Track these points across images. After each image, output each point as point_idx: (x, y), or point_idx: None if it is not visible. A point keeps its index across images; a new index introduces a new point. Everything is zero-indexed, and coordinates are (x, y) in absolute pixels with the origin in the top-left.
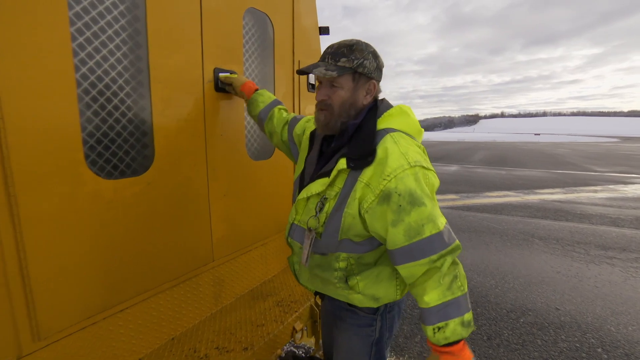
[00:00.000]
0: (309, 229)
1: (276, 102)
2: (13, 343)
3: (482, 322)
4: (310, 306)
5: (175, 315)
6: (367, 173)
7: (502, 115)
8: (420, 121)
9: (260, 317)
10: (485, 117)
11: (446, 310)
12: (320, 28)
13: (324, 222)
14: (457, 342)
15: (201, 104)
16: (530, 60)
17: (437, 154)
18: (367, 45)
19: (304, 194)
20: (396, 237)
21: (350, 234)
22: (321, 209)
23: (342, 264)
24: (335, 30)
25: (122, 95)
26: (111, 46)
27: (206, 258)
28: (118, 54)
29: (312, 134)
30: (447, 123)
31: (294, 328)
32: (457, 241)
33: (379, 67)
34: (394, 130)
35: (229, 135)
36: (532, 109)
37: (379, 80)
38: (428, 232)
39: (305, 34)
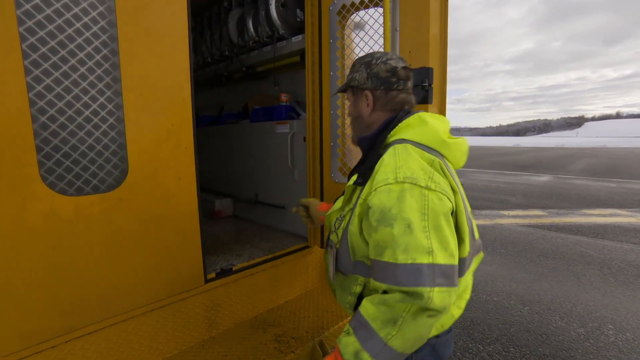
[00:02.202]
0: (331, 245)
1: None
2: None
3: None
4: (313, 347)
5: (153, 344)
6: (366, 189)
7: (618, 116)
8: (509, 125)
9: (249, 354)
10: (594, 118)
11: (361, 327)
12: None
13: (341, 238)
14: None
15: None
16: None
17: (524, 162)
18: (365, 57)
19: (332, 210)
20: (370, 250)
21: (360, 255)
22: (339, 225)
23: (358, 289)
24: None
25: (87, 96)
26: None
27: (195, 281)
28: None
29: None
30: (543, 127)
31: None
32: (421, 288)
33: (372, 76)
34: (404, 141)
35: None
36: None
37: (377, 88)
38: (386, 258)
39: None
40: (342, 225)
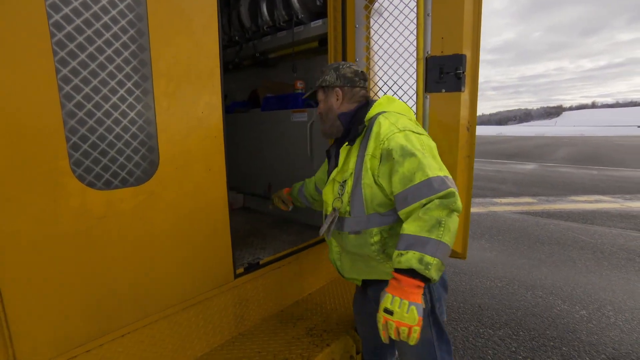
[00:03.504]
0: (334, 210)
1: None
2: None
3: None
4: (346, 340)
5: (184, 343)
6: (370, 147)
7: (594, 106)
8: (491, 115)
9: (283, 348)
10: (571, 108)
11: (413, 243)
12: None
13: (349, 201)
14: (408, 271)
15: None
16: (636, 39)
17: (509, 151)
18: (332, 65)
19: (327, 184)
20: (395, 186)
21: (375, 204)
22: (343, 191)
23: (376, 238)
24: None
25: (118, 90)
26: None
27: (225, 277)
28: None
29: (328, 152)
30: (523, 116)
31: None
32: (450, 189)
33: (340, 77)
34: (384, 112)
35: None
36: (636, 96)
37: (345, 86)
38: (418, 179)
39: None
40: (347, 189)
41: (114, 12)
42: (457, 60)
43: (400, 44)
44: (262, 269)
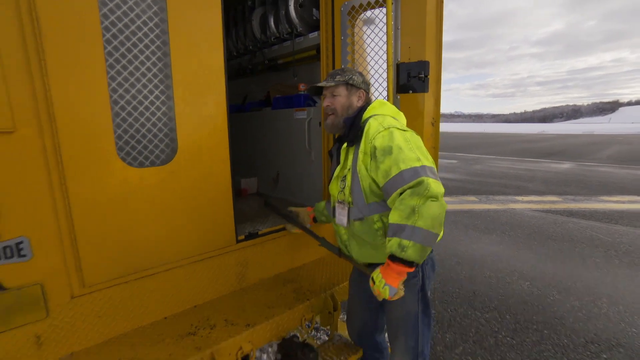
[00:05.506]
0: (340, 202)
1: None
2: (67, 287)
3: (545, 347)
4: (325, 297)
5: (196, 288)
6: (362, 145)
7: None
8: (535, 112)
9: (273, 300)
10: (630, 103)
11: (396, 230)
12: None
13: (350, 193)
14: (392, 256)
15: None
16: None
17: (550, 149)
18: (354, 70)
19: (332, 180)
20: (379, 180)
21: (372, 194)
22: (344, 185)
23: (378, 224)
24: None
25: (151, 97)
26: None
27: (229, 240)
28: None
29: (330, 153)
30: (571, 113)
31: (303, 316)
32: (420, 178)
33: (365, 82)
34: (377, 115)
35: None
36: None
37: (367, 91)
38: (393, 173)
39: None
40: (347, 183)
41: (144, 40)
42: (422, 66)
43: (376, 53)
44: (260, 238)
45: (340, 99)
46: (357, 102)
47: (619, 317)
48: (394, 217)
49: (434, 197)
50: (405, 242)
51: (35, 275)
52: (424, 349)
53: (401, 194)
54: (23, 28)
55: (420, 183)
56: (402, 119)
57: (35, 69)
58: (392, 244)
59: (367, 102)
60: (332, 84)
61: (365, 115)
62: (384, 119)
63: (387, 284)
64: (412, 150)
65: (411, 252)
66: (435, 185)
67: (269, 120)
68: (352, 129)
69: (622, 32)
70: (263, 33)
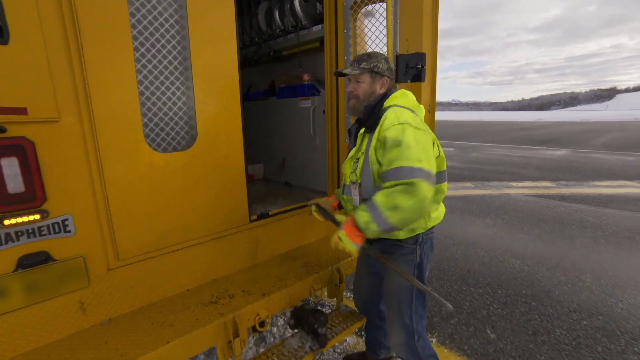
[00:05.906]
0: (353, 182)
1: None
2: (105, 260)
3: (532, 316)
4: (331, 271)
5: (214, 263)
6: (376, 133)
7: None
8: (532, 99)
9: (284, 273)
10: (627, 90)
11: (372, 211)
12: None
13: (360, 174)
14: (358, 226)
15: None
16: None
17: (545, 137)
18: (380, 54)
19: (347, 160)
20: (383, 167)
21: (379, 178)
22: (356, 166)
23: None
24: None
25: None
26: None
27: (243, 220)
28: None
29: (349, 131)
30: (569, 100)
31: (312, 287)
32: (414, 179)
33: (389, 69)
34: (396, 105)
35: None
36: None
37: (391, 78)
38: (394, 165)
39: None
40: (359, 165)
41: (166, 35)
42: (419, 58)
43: (377, 45)
44: (271, 218)
45: (363, 86)
46: (379, 90)
47: (600, 290)
48: (379, 198)
49: (423, 199)
50: (373, 225)
51: (79, 248)
52: (418, 326)
53: (394, 185)
54: (66, 29)
55: (412, 184)
56: (421, 112)
57: (76, 65)
58: (363, 217)
59: (390, 89)
60: (357, 71)
61: (386, 104)
62: (402, 112)
63: (354, 243)
64: (418, 151)
65: (371, 232)
66: (426, 190)
67: (275, 109)
68: (371, 116)
69: (622, 17)
70: (268, 26)
